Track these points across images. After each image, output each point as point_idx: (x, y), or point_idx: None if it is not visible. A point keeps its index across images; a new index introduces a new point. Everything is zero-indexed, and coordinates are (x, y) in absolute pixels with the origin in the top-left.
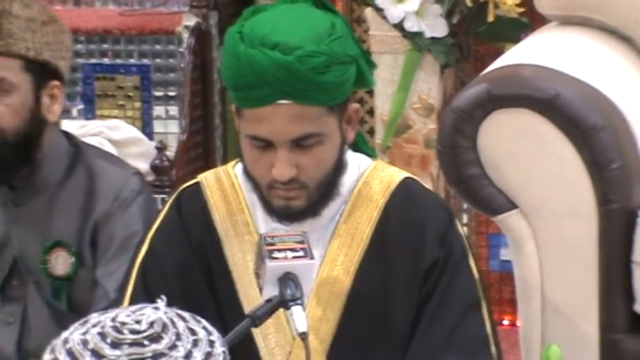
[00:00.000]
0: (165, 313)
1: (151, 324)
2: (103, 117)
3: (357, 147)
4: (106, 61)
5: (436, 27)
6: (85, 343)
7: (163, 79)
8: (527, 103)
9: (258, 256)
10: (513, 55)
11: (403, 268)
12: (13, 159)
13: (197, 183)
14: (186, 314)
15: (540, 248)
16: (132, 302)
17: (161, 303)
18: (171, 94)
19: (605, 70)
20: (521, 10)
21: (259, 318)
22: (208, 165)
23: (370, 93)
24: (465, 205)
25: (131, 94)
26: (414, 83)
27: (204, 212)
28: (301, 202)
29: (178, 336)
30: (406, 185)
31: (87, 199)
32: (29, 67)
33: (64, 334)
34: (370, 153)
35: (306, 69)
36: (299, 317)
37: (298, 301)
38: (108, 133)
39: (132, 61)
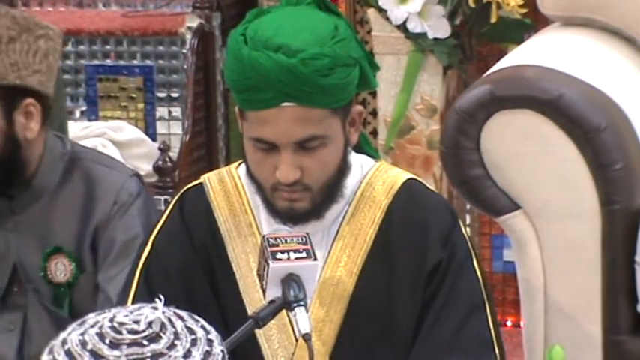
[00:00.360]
0: (164, 312)
1: (150, 324)
2: (106, 118)
3: (360, 148)
4: (108, 62)
5: (439, 28)
6: (83, 343)
7: (166, 80)
8: (530, 104)
9: (261, 257)
10: (516, 56)
11: (406, 269)
12: None
13: (200, 184)
14: (184, 313)
15: (543, 249)
16: (135, 303)
17: (159, 303)
18: (174, 95)
19: (608, 70)
20: (524, 11)
21: (262, 319)
22: (211, 166)
23: (373, 94)
24: (468, 206)
25: (134, 95)
26: (416, 84)
27: (208, 213)
28: (305, 204)
29: (177, 335)
30: (409, 186)
31: (85, 204)
32: None
33: (63, 335)
34: (373, 154)
35: (309, 71)
36: (302, 318)
37: (301, 303)
38: (111, 134)
39: (135, 62)
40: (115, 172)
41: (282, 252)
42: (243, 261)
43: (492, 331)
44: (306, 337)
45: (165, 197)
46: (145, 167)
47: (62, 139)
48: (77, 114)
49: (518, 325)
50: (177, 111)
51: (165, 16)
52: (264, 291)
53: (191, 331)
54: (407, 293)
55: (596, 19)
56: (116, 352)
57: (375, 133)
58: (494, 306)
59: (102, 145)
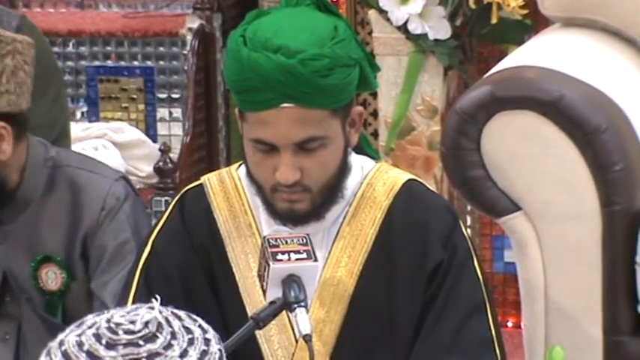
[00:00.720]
0: (161, 312)
1: (146, 324)
2: (106, 119)
3: (360, 149)
4: (109, 63)
5: (439, 29)
6: (80, 344)
7: (167, 81)
8: (530, 105)
9: (261, 258)
10: (517, 57)
11: (407, 270)
12: None
13: (200, 185)
14: (181, 313)
15: (544, 250)
16: (134, 303)
17: (156, 302)
18: (175, 96)
19: (608, 71)
20: (525, 11)
21: (263, 320)
22: (212, 167)
23: (374, 95)
24: (469, 207)
25: (135, 96)
26: (417, 85)
27: (208, 214)
28: (305, 205)
29: (174, 335)
30: (410, 187)
31: (72, 212)
32: None
33: (60, 336)
34: (374, 155)
35: (309, 72)
36: (303, 319)
37: (302, 303)
38: (111, 135)
39: (135, 63)
40: (100, 177)
41: (283, 253)
42: (243, 262)
43: (493, 331)
44: (307, 338)
45: (166, 198)
46: (146, 168)
47: (45, 145)
48: (78, 115)
49: (519, 326)
50: (177, 112)
51: (165, 17)
52: (264, 292)
53: (188, 330)
54: (407, 294)
55: (596, 20)
56: (112, 353)
57: (375, 134)
58: (494, 307)
59: (103, 146)
